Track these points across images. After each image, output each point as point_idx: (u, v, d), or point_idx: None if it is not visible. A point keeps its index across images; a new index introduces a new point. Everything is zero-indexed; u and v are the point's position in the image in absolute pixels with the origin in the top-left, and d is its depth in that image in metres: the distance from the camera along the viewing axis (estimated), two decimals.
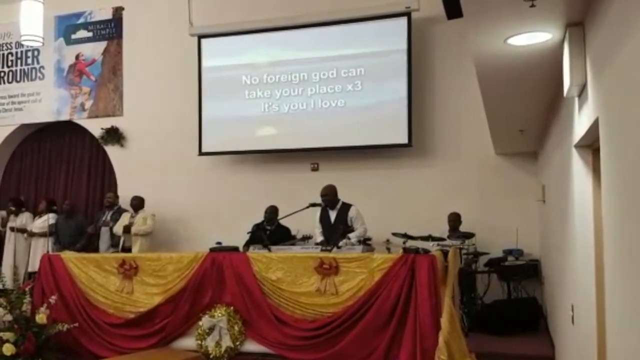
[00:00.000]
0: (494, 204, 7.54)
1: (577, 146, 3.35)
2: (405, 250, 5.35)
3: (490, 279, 7.14)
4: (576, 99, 3.26)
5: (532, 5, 2.44)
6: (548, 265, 6.30)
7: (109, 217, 8.49)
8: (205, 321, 5.48)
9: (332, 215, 6.55)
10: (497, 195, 7.60)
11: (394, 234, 6.51)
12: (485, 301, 6.93)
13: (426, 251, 5.24)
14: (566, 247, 4.16)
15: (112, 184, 9.47)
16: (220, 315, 5.44)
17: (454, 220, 7.15)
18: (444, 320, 4.58)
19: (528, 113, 4.99)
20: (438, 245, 6.19)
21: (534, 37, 3.07)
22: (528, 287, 7.13)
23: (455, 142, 7.90)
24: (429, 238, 6.35)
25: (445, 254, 5.19)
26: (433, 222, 7.06)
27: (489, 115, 5.24)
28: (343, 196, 6.76)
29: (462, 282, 6.06)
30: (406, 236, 6.22)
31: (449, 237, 6.78)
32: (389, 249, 6.46)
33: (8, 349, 5.20)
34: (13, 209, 9.28)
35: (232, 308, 5.47)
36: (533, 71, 3.67)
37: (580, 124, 3.14)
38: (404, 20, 7.82)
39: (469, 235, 6.85)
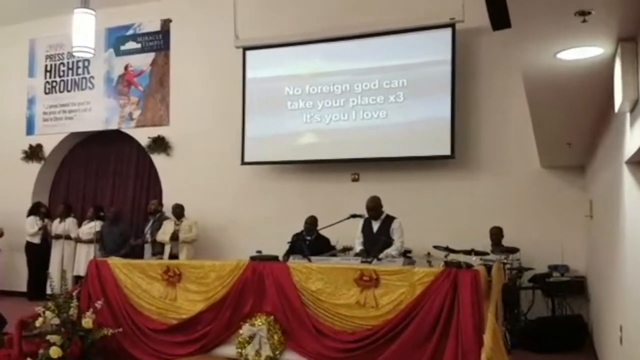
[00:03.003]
0: (539, 218, 7.38)
1: (628, 162, 3.27)
2: (447, 264, 5.26)
3: (535, 295, 6.99)
4: (628, 115, 3.18)
5: (584, 21, 2.39)
6: (595, 282, 6.12)
7: (151, 230, 8.66)
8: (245, 329, 5.50)
9: (375, 225, 6.53)
10: (542, 209, 7.44)
11: (436, 247, 6.44)
12: (529, 318, 6.78)
13: (469, 265, 5.16)
14: (615, 265, 4.04)
15: (158, 192, 9.67)
16: (260, 324, 5.46)
17: (496, 234, 7.04)
18: (487, 337, 4.48)
19: (576, 127, 4.89)
20: (481, 259, 6.09)
21: (585, 51, 3.01)
22: (573, 304, 6.94)
23: (499, 154, 7.78)
24: (471, 252, 6.25)
25: (488, 268, 5.10)
26: (475, 235, 6.96)
27: (535, 128, 5.15)
28: (384, 207, 6.72)
29: (505, 298, 5.94)
30: (448, 249, 6.14)
31: (492, 251, 6.67)
32: (429, 262, 6.38)
33: (55, 352, 5.33)
34: (61, 211, 9.56)
35: (272, 317, 5.47)
36: (583, 86, 3.60)
37: (632, 140, 3.06)
38: (448, 32, 7.77)
39: (513, 250, 6.72)
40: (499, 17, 3.92)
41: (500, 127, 7.76)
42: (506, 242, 7.02)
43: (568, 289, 6.86)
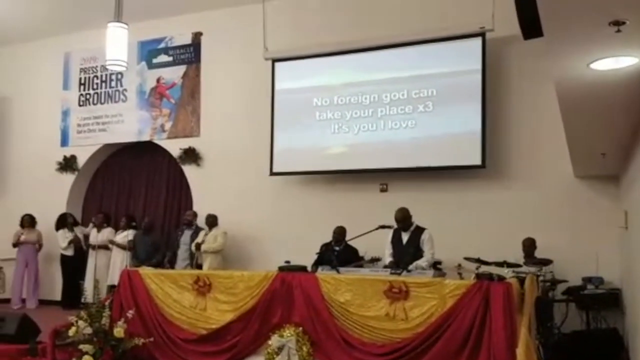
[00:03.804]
0: (573, 229, 7.23)
1: None
2: (479, 276, 5.20)
3: (569, 308, 6.84)
4: None
5: (618, 31, 2.35)
6: (631, 295, 5.97)
7: (188, 238, 8.77)
8: (274, 340, 5.51)
9: (405, 237, 6.48)
10: (576, 220, 7.29)
11: (466, 259, 6.35)
12: (563, 331, 6.63)
13: (501, 278, 5.08)
14: None
15: (189, 202, 9.77)
16: (289, 335, 5.46)
17: (529, 245, 6.92)
18: (520, 351, 4.41)
19: (611, 137, 4.79)
20: (513, 272, 5.99)
21: (619, 61, 2.96)
22: (608, 318, 6.77)
23: (531, 163, 7.66)
24: (503, 264, 6.14)
25: (521, 281, 5.02)
26: (507, 247, 6.83)
27: (569, 138, 5.07)
28: (413, 218, 6.67)
29: (538, 311, 5.82)
30: (479, 261, 6.05)
31: (525, 263, 6.55)
32: (460, 274, 6.30)
33: None
34: (99, 221, 9.73)
35: (300, 329, 5.47)
36: (617, 96, 3.53)
37: None
38: (478, 41, 7.70)
39: (546, 262, 6.59)
40: (530, 26, 3.88)
41: (532, 136, 7.65)
42: (539, 253, 6.89)
43: (603, 302, 6.69)
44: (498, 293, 4.70)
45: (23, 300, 9.92)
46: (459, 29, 7.79)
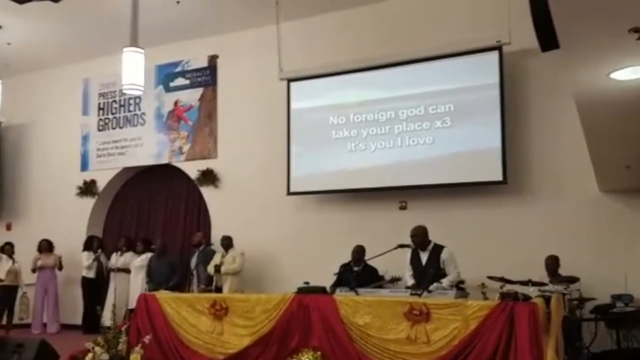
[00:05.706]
0: (600, 245, 7.02)
1: None
2: (503, 295, 5.04)
3: (598, 327, 6.60)
4: None
5: (639, 38, 2.24)
6: None
7: (196, 262, 8.73)
8: None
9: (424, 257, 6.33)
10: (602, 236, 7.07)
11: (490, 278, 6.17)
12: (593, 351, 6.39)
13: (526, 297, 4.92)
14: None
15: (207, 224, 9.74)
16: (308, 359, 5.34)
17: (552, 263, 6.72)
18: None
19: (635, 149, 4.63)
20: (539, 290, 5.79)
21: (638, 71, 2.83)
22: (639, 336, 6.51)
23: (554, 178, 7.47)
24: (528, 283, 5.95)
25: (547, 300, 4.84)
26: (531, 264, 6.65)
27: (591, 150, 4.93)
28: (433, 236, 6.54)
29: (566, 330, 5.61)
30: (503, 280, 5.87)
31: (550, 281, 6.35)
32: (484, 294, 6.12)
33: None
34: (121, 245, 9.72)
35: (319, 353, 5.36)
36: (639, 105, 3.39)
37: None
38: (495, 55, 7.59)
39: (573, 280, 6.39)
40: (548, 38, 3.77)
41: (555, 150, 7.48)
42: (565, 271, 6.68)
43: (633, 320, 6.44)
44: (523, 314, 4.55)
45: (44, 325, 9.92)
46: (475, 43, 7.68)
